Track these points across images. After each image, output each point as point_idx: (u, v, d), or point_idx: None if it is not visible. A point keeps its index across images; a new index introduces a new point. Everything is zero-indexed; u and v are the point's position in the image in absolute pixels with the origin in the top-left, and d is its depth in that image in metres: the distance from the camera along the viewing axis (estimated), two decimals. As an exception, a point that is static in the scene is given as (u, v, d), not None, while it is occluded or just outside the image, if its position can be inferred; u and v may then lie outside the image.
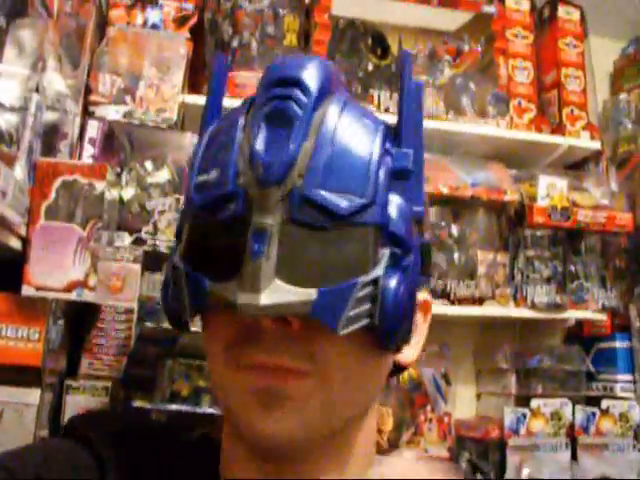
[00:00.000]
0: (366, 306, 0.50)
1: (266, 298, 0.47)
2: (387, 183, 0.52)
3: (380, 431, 1.58)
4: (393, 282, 0.50)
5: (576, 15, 1.91)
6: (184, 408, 1.19)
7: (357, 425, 0.57)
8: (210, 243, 0.52)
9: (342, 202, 0.49)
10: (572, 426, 1.67)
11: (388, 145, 0.54)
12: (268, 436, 0.50)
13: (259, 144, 0.50)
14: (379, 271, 0.50)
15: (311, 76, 0.52)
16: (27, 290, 1.04)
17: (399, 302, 0.50)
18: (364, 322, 0.50)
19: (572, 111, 1.83)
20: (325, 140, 0.51)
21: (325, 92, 0.53)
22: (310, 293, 0.48)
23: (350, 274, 0.49)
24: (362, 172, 0.51)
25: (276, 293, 0.47)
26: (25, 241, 1.04)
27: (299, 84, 0.51)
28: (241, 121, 0.53)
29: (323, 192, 0.49)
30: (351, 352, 0.52)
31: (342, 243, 0.50)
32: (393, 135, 0.56)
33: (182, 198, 1.32)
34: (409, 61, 0.59)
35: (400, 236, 0.52)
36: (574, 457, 1.67)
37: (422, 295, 0.60)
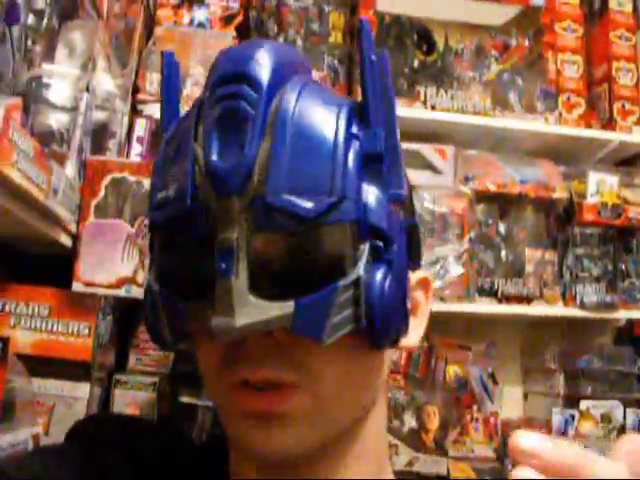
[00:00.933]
0: (349, 310, 0.46)
1: (241, 319, 0.43)
2: (358, 172, 0.47)
3: (426, 430, 1.57)
4: (377, 278, 0.46)
5: (629, 6, 1.86)
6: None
7: (362, 425, 0.54)
8: (179, 263, 0.49)
9: (308, 204, 0.45)
10: (623, 429, 1.63)
11: (356, 128, 0.48)
12: (267, 453, 0.48)
13: (213, 153, 0.46)
14: (359, 270, 0.46)
15: (259, 67, 0.47)
16: (77, 286, 1.06)
17: (385, 299, 0.46)
18: (350, 327, 0.46)
19: (623, 106, 1.78)
20: (282, 137, 0.46)
21: (278, 81, 0.47)
22: (288, 306, 0.44)
23: (328, 279, 0.45)
24: (327, 166, 0.46)
25: (252, 312, 0.44)
26: (75, 238, 1.06)
27: (247, 79, 0.46)
28: (192, 127, 0.48)
29: (287, 196, 0.44)
30: (340, 356, 0.48)
31: (315, 246, 0.46)
32: (360, 116, 0.49)
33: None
34: (367, 30, 0.51)
35: (379, 227, 0.47)
36: (625, 461, 1.63)
37: (418, 274, 0.57)
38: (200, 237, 0.46)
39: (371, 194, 0.48)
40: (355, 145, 0.48)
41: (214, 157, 0.45)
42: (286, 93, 0.47)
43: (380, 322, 0.46)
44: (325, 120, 0.47)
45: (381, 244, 0.47)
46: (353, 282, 0.46)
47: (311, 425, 0.48)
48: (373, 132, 0.49)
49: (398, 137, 0.50)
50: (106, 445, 0.56)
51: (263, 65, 0.47)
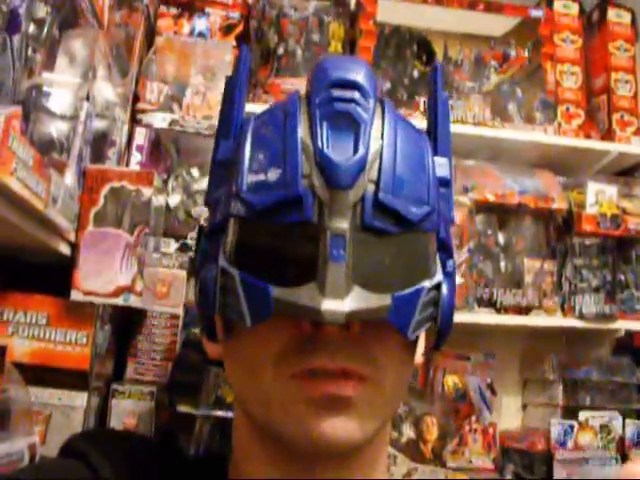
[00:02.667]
0: (430, 310, 0.51)
1: (350, 304, 0.46)
2: (437, 191, 0.53)
3: (425, 440, 1.57)
4: (445, 287, 0.53)
5: (627, 18, 1.87)
6: (229, 414, 1.20)
7: (384, 428, 0.57)
8: (273, 247, 0.50)
9: (413, 209, 0.50)
10: (622, 440, 1.62)
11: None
12: (328, 440, 0.49)
13: (326, 145, 0.48)
14: (440, 276, 0.52)
15: (368, 80, 0.51)
16: (75, 295, 1.05)
17: (452, 305, 0.53)
18: (427, 325, 0.52)
19: (622, 116, 1.79)
20: (390, 146, 0.50)
21: (376, 97, 0.52)
22: (385, 298, 0.48)
23: (417, 279, 0.50)
24: (424, 180, 0.52)
25: (357, 299, 0.47)
26: (74, 246, 1.06)
27: (359, 87, 0.51)
28: (297, 119, 0.51)
29: (395, 198, 0.49)
30: (403, 355, 0.54)
31: (409, 249, 0.50)
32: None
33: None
34: (441, 72, 0.59)
35: (447, 242, 0.55)
36: (624, 472, 1.62)
37: None
38: (304, 224, 0.48)
39: (442, 212, 0.54)
40: (435, 168, 0.54)
41: (328, 150, 0.48)
42: (386, 110, 0.53)
43: (448, 324, 0.53)
44: (420, 140, 0.54)
45: (445, 257, 0.55)
46: (435, 285, 0.52)
47: (370, 414, 0.52)
48: (445, 160, 0.56)
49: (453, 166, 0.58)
50: (100, 460, 0.56)
51: (370, 79, 0.52)
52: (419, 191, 0.51)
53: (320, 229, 0.47)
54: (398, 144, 0.51)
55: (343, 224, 0.47)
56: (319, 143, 0.49)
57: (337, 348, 0.49)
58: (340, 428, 0.50)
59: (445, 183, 0.56)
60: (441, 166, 0.56)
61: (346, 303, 0.46)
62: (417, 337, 0.54)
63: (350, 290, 0.47)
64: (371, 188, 0.48)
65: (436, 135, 0.57)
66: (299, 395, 0.50)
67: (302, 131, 0.50)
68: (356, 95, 0.50)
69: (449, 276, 0.54)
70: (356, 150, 0.48)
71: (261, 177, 0.50)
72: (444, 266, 0.54)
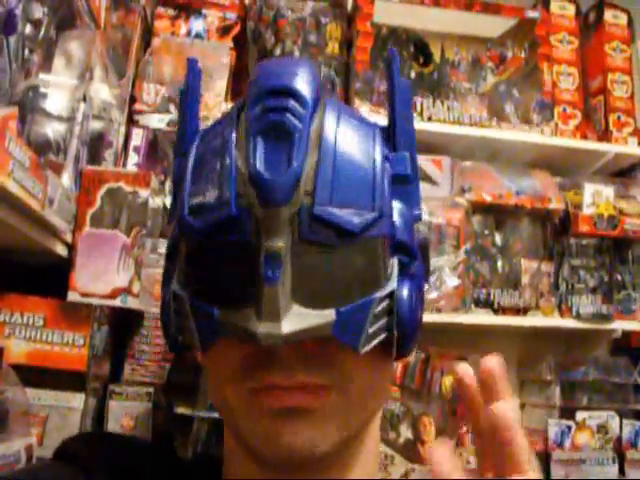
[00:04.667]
0: (383, 320, 0.49)
1: (287, 326, 0.45)
2: (390, 191, 0.51)
3: (422, 441, 1.57)
4: (405, 292, 0.50)
5: (623, 19, 1.87)
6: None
7: (367, 429, 0.56)
8: (215, 269, 0.49)
9: (354, 218, 0.47)
10: (619, 440, 1.62)
11: (385, 150, 0.53)
12: (291, 449, 0.49)
13: (259, 162, 0.46)
14: (393, 284, 0.50)
15: (305, 84, 0.49)
16: (72, 296, 1.05)
17: (413, 311, 0.50)
18: (382, 336, 0.49)
19: (619, 117, 1.79)
20: (328, 153, 0.48)
21: (317, 98, 0.50)
22: (328, 314, 0.46)
23: (365, 290, 0.48)
24: (368, 184, 0.49)
25: (296, 319, 0.45)
26: (71, 247, 1.06)
27: (294, 94, 0.48)
28: (233, 135, 0.49)
29: (333, 209, 0.47)
30: (367, 363, 0.51)
31: (354, 259, 0.48)
32: (386, 137, 0.54)
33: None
34: (396, 58, 0.56)
35: (406, 243, 0.52)
36: (622, 472, 1.62)
37: None
38: (242, 244, 0.47)
39: (399, 213, 0.51)
40: (387, 166, 0.51)
41: (260, 165, 0.46)
42: (327, 111, 0.50)
43: (410, 333, 0.50)
44: (364, 141, 0.51)
45: (406, 259, 0.52)
46: (388, 294, 0.49)
47: (336, 423, 0.50)
48: (402, 155, 0.53)
49: (417, 159, 0.55)
50: (95, 464, 0.56)
51: (306, 81, 0.49)
52: (362, 197, 0.48)
53: (256, 249, 0.46)
54: (338, 149, 0.49)
55: (278, 242, 0.45)
56: (252, 160, 0.47)
57: (292, 363, 0.48)
58: (302, 439, 0.49)
59: (403, 179, 0.53)
60: (398, 162, 0.53)
61: (284, 324, 0.45)
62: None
63: (288, 310, 0.45)
64: (308, 201, 0.46)
65: (394, 128, 0.54)
66: (259, 409, 0.50)
67: (237, 148, 0.49)
68: (290, 103, 0.47)
69: (413, 279, 0.51)
70: (290, 164, 0.46)
71: (200, 199, 0.49)
72: (406, 269, 0.51)
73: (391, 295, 0.49)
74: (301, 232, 0.46)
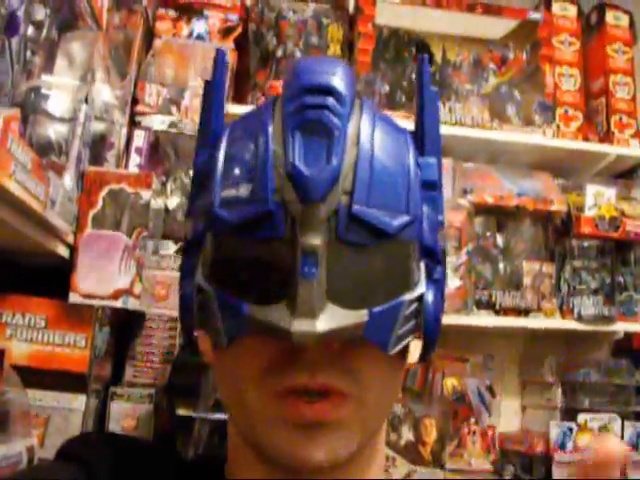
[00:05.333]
0: (412, 323, 0.49)
1: (322, 324, 0.44)
2: (420, 196, 0.51)
3: (424, 443, 1.57)
4: (431, 295, 0.51)
5: (625, 21, 1.87)
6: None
7: (377, 433, 0.56)
8: (246, 264, 0.48)
9: (390, 220, 0.47)
10: (621, 442, 1.63)
11: (416, 154, 0.53)
12: (309, 460, 0.48)
13: (297, 158, 0.46)
14: (422, 287, 0.50)
15: (343, 83, 0.49)
16: (74, 297, 1.05)
17: (438, 315, 0.51)
18: (409, 339, 0.50)
19: (621, 119, 1.79)
20: (366, 154, 0.48)
21: (354, 99, 0.50)
22: (361, 315, 0.46)
23: (396, 292, 0.48)
24: (403, 187, 0.49)
25: (330, 318, 0.45)
26: (73, 249, 1.06)
27: (333, 92, 0.48)
28: (269, 130, 0.49)
29: (370, 210, 0.47)
30: (387, 367, 0.51)
31: (387, 261, 0.48)
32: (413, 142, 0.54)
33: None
34: (427, 67, 0.56)
35: (433, 248, 0.52)
36: (622, 474, 1.62)
37: None
38: (276, 240, 0.46)
39: (427, 218, 0.52)
40: (418, 171, 0.52)
41: (299, 162, 0.46)
42: (364, 112, 0.50)
43: (434, 335, 0.51)
44: (398, 145, 0.51)
45: (432, 264, 0.52)
46: (418, 297, 0.50)
47: (354, 431, 0.50)
48: (431, 161, 0.54)
49: (442, 166, 0.55)
50: (97, 464, 0.56)
51: (345, 81, 0.49)
52: (397, 200, 0.49)
53: (292, 245, 0.45)
54: (375, 150, 0.49)
55: (315, 240, 0.45)
56: (290, 155, 0.46)
57: (317, 365, 0.48)
58: (323, 450, 0.48)
59: (431, 186, 0.53)
60: (428, 168, 0.53)
61: (319, 322, 0.44)
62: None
63: (323, 308, 0.45)
64: (345, 200, 0.46)
65: (423, 135, 0.55)
66: (282, 417, 0.49)
67: (274, 142, 0.48)
68: (329, 100, 0.47)
69: (436, 283, 0.52)
70: (329, 161, 0.46)
71: (233, 192, 0.49)
72: (431, 273, 0.52)
73: (420, 298, 0.50)
74: (338, 231, 0.46)
